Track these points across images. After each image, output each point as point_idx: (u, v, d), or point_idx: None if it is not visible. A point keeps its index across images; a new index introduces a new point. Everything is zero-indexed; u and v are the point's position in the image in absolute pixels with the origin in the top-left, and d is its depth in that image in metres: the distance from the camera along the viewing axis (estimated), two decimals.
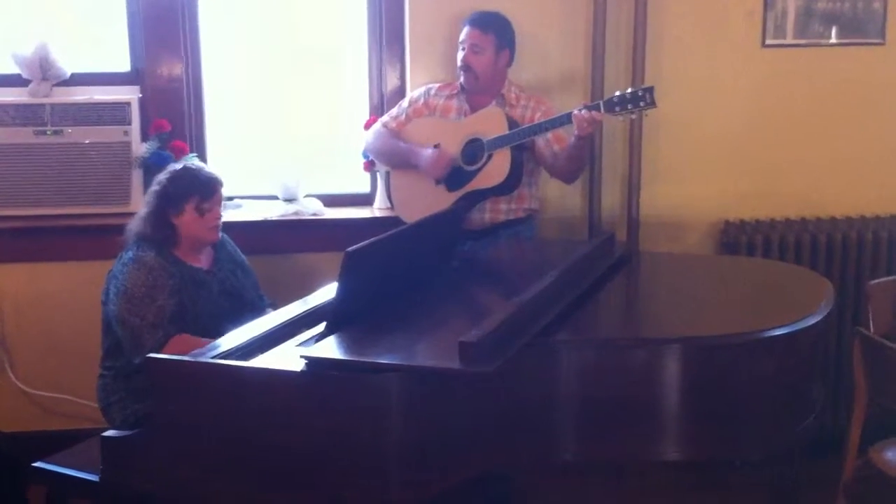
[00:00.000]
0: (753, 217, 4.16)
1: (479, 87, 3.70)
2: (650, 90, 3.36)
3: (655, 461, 2.55)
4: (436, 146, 3.66)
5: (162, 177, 3.30)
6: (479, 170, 3.61)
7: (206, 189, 3.25)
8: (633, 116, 3.50)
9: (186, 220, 3.23)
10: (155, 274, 3.13)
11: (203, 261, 3.33)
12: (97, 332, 3.31)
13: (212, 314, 3.21)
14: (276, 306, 3.41)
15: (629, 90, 3.40)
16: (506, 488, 3.38)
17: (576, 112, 3.39)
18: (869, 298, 3.43)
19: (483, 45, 3.64)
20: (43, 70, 3.89)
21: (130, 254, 3.18)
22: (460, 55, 3.68)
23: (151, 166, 3.83)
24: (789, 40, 4.08)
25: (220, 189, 3.31)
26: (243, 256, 3.51)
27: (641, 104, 3.36)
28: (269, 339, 2.66)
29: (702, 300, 3.04)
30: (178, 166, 3.33)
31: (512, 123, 3.58)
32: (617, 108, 3.39)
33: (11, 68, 3.93)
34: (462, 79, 3.70)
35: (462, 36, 3.68)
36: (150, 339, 3.04)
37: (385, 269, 2.73)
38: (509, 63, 3.74)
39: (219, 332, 2.76)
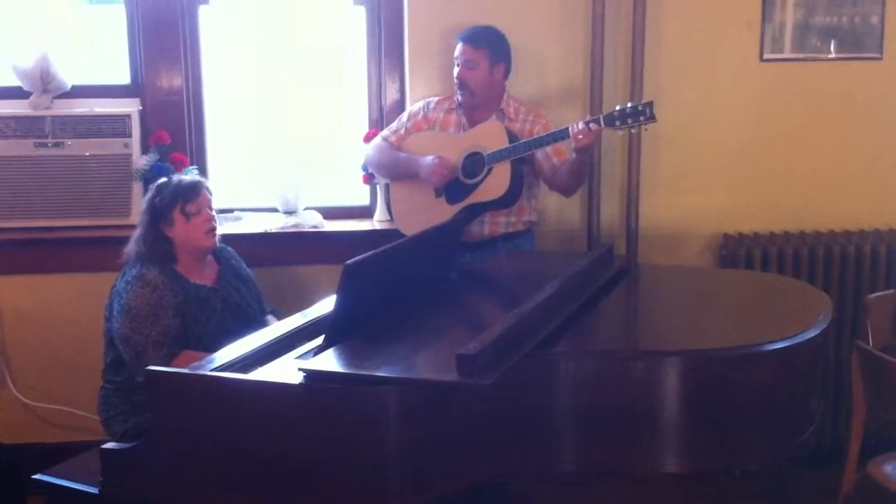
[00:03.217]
0: (752, 230, 4.17)
1: (476, 103, 3.71)
2: (650, 105, 3.37)
3: (655, 472, 2.54)
4: (437, 156, 3.67)
5: (147, 195, 3.32)
6: (479, 183, 3.62)
7: (188, 192, 3.26)
8: (633, 131, 3.51)
9: (178, 229, 3.23)
10: (159, 293, 3.13)
11: (207, 277, 3.33)
12: (97, 344, 3.32)
13: (215, 332, 3.20)
14: (277, 313, 3.42)
15: (629, 105, 3.41)
16: (504, 498, 3.39)
17: (572, 126, 3.40)
18: (867, 312, 3.44)
19: (476, 61, 3.65)
20: (44, 82, 3.90)
21: (134, 271, 3.18)
22: (455, 71, 3.69)
23: (151, 179, 3.82)
24: (787, 54, 4.09)
25: (203, 191, 3.30)
26: (248, 270, 3.51)
27: (641, 118, 3.37)
28: (267, 351, 2.66)
29: (700, 313, 3.04)
30: (158, 182, 3.35)
31: (512, 137, 3.59)
32: (617, 123, 3.39)
33: (12, 80, 3.94)
34: (459, 95, 3.71)
35: (456, 53, 3.69)
36: (154, 357, 3.04)
37: (384, 282, 2.74)
38: (506, 76, 3.75)
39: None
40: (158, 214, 3.24)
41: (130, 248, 3.27)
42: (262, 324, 3.28)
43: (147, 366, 2.95)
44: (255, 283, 3.50)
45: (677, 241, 4.17)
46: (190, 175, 3.49)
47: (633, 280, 3.43)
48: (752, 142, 4.15)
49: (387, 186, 4.06)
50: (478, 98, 3.69)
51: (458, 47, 3.69)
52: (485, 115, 3.72)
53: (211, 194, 3.34)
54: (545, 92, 4.02)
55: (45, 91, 3.92)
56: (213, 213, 3.33)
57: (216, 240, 3.33)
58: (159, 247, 3.22)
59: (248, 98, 4.36)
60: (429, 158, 3.66)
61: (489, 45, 3.67)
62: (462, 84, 3.68)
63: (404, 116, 3.86)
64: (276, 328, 2.85)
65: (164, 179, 3.35)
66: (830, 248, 4.09)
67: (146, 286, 3.13)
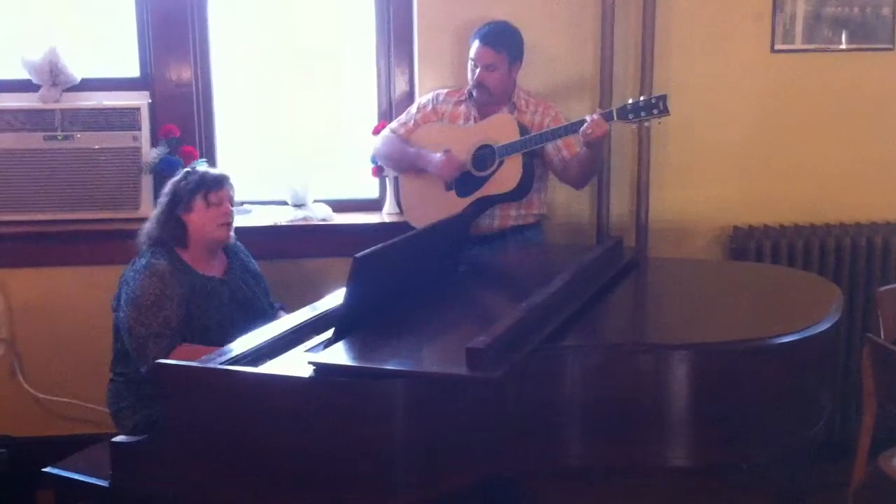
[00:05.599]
0: (762, 222, 4.16)
1: (492, 101, 3.70)
2: (663, 98, 3.36)
3: (663, 466, 2.54)
4: (446, 152, 3.66)
5: (173, 178, 3.34)
6: (490, 176, 3.61)
7: (214, 183, 3.28)
8: (646, 124, 3.50)
9: (196, 216, 3.24)
10: (165, 282, 3.12)
11: (216, 269, 3.33)
12: (107, 337, 3.32)
13: (221, 324, 3.20)
14: (286, 308, 3.42)
15: (642, 98, 3.40)
16: (512, 492, 3.38)
17: (589, 117, 3.39)
18: (878, 304, 3.42)
19: (497, 64, 3.63)
20: (53, 75, 3.90)
21: (144, 261, 3.18)
22: (473, 72, 3.66)
23: (161, 172, 3.85)
24: (798, 45, 4.07)
25: (228, 184, 3.32)
26: (256, 264, 3.51)
27: (654, 112, 3.36)
28: (277, 344, 2.66)
29: (710, 306, 3.04)
30: (188, 168, 3.38)
31: (523, 129, 3.58)
32: (630, 116, 3.39)
33: (21, 74, 3.94)
34: (475, 94, 3.69)
35: (472, 53, 3.66)
36: (154, 349, 3.04)
37: (393, 275, 2.74)
38: (518, 70, 3.74)
39: (228, 342, 2.74)
40: (180, 197, 3.25)
41: (143, 231, 3.28)
42: (270, 318, 3.28)
43: (149, 357, 2.99)
44: (262, 277, 3.50)
45: (687, 234, 4.16)
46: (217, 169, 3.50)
47: (642, 273, 3.42)
48: (763, 133, 4.14)
49: (396, 179, 4.05)
50: (494, 97, 3.68)
51: (477, 48, 3.64)
52: (496, 107, 3.71)
53: (233, 191, 3.35)
54: (555, 84, 4.01)
55: (54, 84, 3.92)
56: (233, 209, 3.34)
57: (229, 234, 3.34)
58: (172, 229, 3.23)
59: (257, 91, 4.35)
60: (437, 155, 3.65)
61: (509, 47, 3.64)
62: (480, 85, 3.65)
63: (413, 108, 3.85)
64: (286, 321, 2.85)
65: (190, 168, 3.37)
66: (841, 240, 4.08)
67: (154, 276, 3.13)
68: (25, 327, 4.05)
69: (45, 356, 4.06)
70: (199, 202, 3.24)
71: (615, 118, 3.41)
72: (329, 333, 2.58)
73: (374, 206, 4.28)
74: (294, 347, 2.64)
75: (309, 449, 2.31)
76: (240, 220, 3.92)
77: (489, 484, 2.50)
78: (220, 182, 3.30)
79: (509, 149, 3.56)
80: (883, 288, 3.50)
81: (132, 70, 4.08)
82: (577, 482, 3.56)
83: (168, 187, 3.31)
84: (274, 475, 2.35)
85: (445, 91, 3.83)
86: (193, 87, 4.06)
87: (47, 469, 3.02)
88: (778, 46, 4.08)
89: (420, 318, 2.72)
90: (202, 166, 3.49)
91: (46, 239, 3.96)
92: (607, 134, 3.48)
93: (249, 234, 3.68)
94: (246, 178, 4.25)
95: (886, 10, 4.09)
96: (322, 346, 2.53)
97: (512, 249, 3.68)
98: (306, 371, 2.35)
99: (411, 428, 2.29)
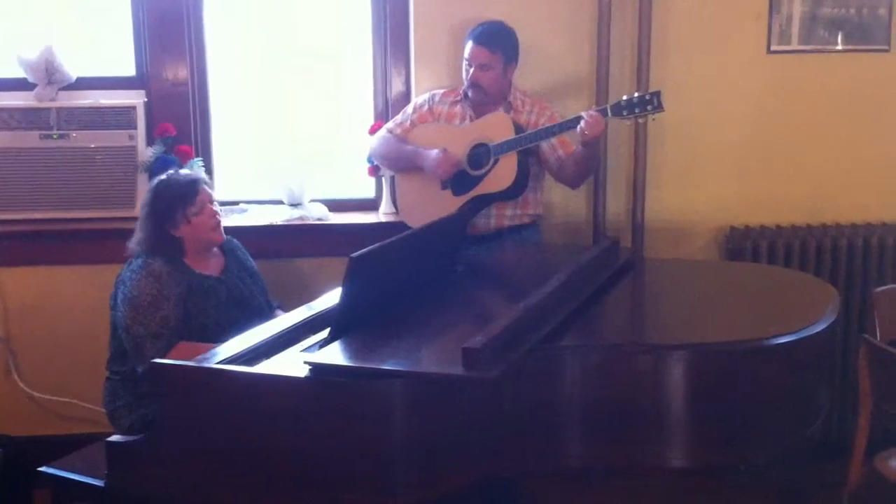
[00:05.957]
0: (759, 223, 4.16)
1: (488, 101, 3.69)
2: (657, 94, 3.36)
3: (662, 467, 2.54)
4: (442, 150, 3.65)
5: (146, 198, 3.29)
6: (486, 174, 3.61)
7: (188, 193, 3.24)
8: (641, 121, 3.50)
9: (185, 229, 3.23)
10: (162, 282, 3.12)
11: (212, 267, 3.32)
12: (103, 336, 3.32)
13: (219, 322, 3.20)
14: (283, 307, 3.41)
15: (636, 94, 3.40)
16: (512, 493, 3.38)
17: (585, 113, 3.38)
18: (875, 305, 3.42)
19: (492, 64, 3.62)
20: (49, 74, 3.89)
21: (140, 261, 3.17)
22: (468, 72, 3.65)
23: (157, 171, 3.82)
24: (794, 46, 4.08)
25: (202, 187, 3.29)
26: (253, 262, 3.50)
27: (649, 108, 3.36)
28: (273, 344, 2.65)
29: (706, 306, 3.03)
30: (155, 183, 3.31)
31: (518, 128, 3.58)
32: (624, 113, 3.39)
33: (17, 72, 3.93)
34: (471, 94, 3.69)
35: (467, 53, 3.66)
36: (152, 348, 3.03)
37: (389, 275, 2.73)
38: (514, 70, 3.73)
39: (225, 340, 2.73)
40: (163, 218, 3.22)
41: (134, 246, 3.26)
42: (268, 316, 3.27)
43: (146, 356, 2.98)
44: (259, 275, 3.50)
45: (684, 234, 4.16)
46: (186, 170, 3.48)
47: (639, 273, 3.42)
48: (759, 134, 4.14)
49: (392, 179, 4.05)
50: (490, 97, 3.68)
51: (471, 48, 3.64)
52: (491, 107, 3.70)
53: (210, 187, 3.33)
54: (551, 83, 4.00)
55: (49, 83, 3.91)
56: (215, 205, 3.32)
57: (223, 234, 3.33)
58: (167, 245, 3.22)
59: (253, 90, 4.34)
60: (434, 152, 3.64)
61: (504, 47, 3.64)
62: (475, 85, 3.65)
63: (409, 109, 3.85)
64: (282, 321, 2.84)
65: (160, 179, 3.31)
66: (838, 240, 4.08)
67: (150, 276, 3.12)
68: (21, 326, 4.04)
69: (40, 355, 4.05)
70: (181, 218, 3.22)
71: (609, 115, 3.41)
72: (325, 333, 2.57)
73: (371, 205, 4.27)
74: (290, 347, 2.63)
75: (307, 449, 2.31)
76: (236, 220, 3.94)
77: (488, 484, 2.49)
78: (193, 189, 3.26)
79: (504, 147, 3.55)
80: (879, 289, 3.51)
81: (128, 69, 4.07)
82: (576, 482, 3.56)
83: (146, 210, 3.26)
84: (271, 475, 2.35)
85: (441, 91, 3.82)
86: (189, 86, 4.05)
87: (43, 468, 3.01)
88: (774, 47, 4.08)
89: (417, 318, 2.71)
90: (171, 174, 3.42)
91: (42, 238, 3.95)
92: (604, 131, 3.48)
93: (245, 234, 3.67)
94: (242, 178, 4.26)
95: (883, 11, 4.09)
96: (318, 346, 2.52)
97: (509, 249, 3.68)
98: (302, 371, 2.34)
99: (409, 428, 2.29)
